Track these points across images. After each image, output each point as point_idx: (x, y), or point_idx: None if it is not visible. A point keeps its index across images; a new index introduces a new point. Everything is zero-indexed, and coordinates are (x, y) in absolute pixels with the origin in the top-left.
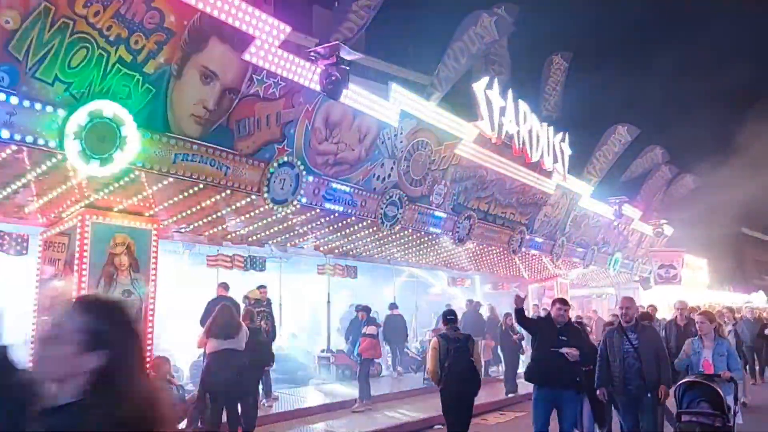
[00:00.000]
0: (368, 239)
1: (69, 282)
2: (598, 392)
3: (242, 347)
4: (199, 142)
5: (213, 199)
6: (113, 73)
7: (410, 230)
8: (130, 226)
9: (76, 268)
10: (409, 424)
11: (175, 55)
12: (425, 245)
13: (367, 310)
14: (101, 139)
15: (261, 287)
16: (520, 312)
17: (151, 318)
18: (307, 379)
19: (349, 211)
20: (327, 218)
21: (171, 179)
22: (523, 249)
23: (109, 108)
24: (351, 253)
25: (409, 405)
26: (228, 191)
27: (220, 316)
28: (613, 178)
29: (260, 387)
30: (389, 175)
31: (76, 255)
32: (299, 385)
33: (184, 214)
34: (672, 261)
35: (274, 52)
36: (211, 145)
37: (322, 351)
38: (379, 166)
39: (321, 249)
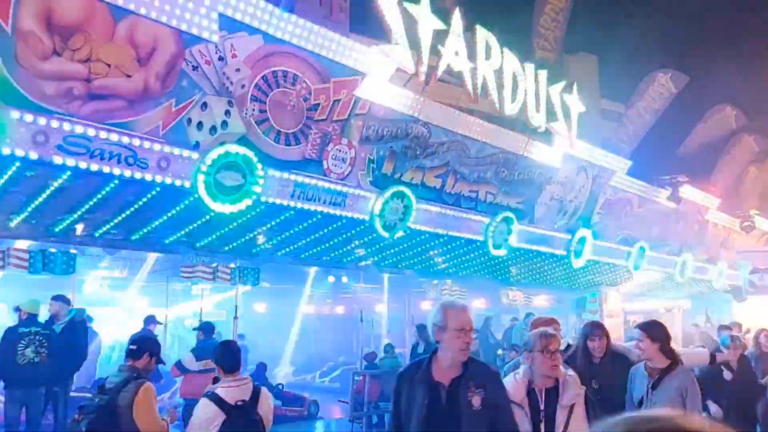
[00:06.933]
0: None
1: None
2: None
3: None
4: None
5: None
6: None
7: (292, 213)
8: None
9: None
10: None
11: None
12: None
13: (206, 329)
14: None
15: (57, 298)
16: None
17: None
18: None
19: (128, 174)
20: (112, 189)
21: None
22: (513, 244)
23: None
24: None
25: None
26: None
27: None
28: (667, 148)
29: None
30: (224, 123)
31: None
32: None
33: None
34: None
35: None
36: None
37: None
38: (198, 108)
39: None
